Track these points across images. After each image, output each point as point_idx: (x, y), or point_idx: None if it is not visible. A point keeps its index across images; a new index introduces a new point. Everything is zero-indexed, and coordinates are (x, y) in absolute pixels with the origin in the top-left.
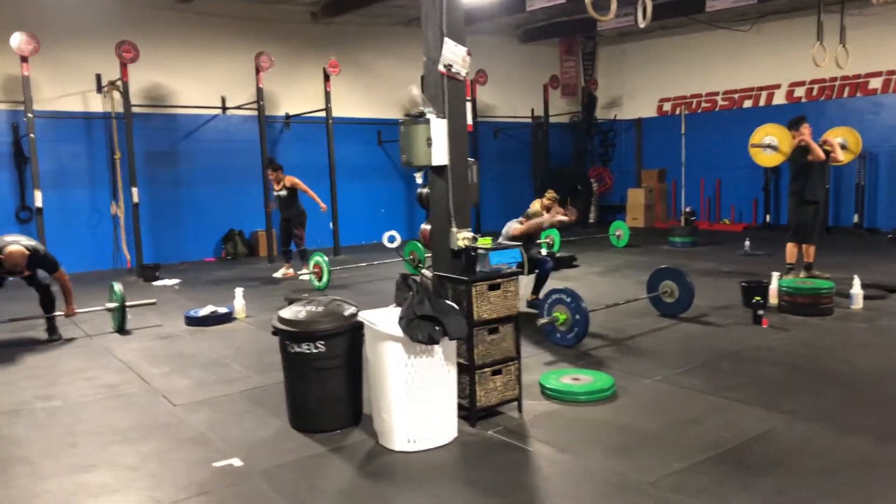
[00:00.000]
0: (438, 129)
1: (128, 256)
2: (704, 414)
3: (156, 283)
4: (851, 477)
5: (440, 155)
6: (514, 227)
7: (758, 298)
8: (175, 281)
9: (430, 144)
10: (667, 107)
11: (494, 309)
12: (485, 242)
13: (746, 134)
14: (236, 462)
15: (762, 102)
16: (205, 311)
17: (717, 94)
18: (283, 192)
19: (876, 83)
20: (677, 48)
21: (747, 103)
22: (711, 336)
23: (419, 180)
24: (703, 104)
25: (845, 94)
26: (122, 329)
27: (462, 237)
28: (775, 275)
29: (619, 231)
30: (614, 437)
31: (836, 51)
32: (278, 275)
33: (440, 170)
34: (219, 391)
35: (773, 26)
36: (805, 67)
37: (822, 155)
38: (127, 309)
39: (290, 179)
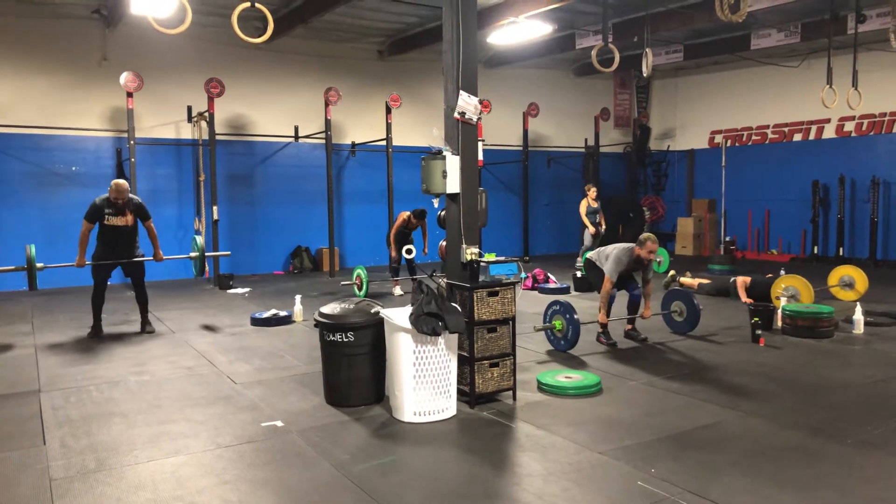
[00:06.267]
0: (452, 164)
1: (206, 267)
2: (671, 409)
3: (229, 291)
4: (772, 458)
5: (453, 185)
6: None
7: (756, 319)
8: (246, 289)
9: (445, 176)
10: (718, 139)
11: (493, 312)
12: (489, 257)
13: (796, 166)
14: (279, 423)
15: (812, 136)
16: (268, 313)
17: (767, 127)
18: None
19: None
20: (729, 82)
21: (797, 136)
22: (709, 351)
23: (436, 204)
24: (754, 137)
25: (894, 130)
26: (201, 274)
27: (470, 252)
28: (782, 299)
29: (659, 257)
30: (586, 421)
31: (847, 92)
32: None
33: (454, 196)
34: (272, 375)
35: (823, 62)
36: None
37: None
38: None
39: None
